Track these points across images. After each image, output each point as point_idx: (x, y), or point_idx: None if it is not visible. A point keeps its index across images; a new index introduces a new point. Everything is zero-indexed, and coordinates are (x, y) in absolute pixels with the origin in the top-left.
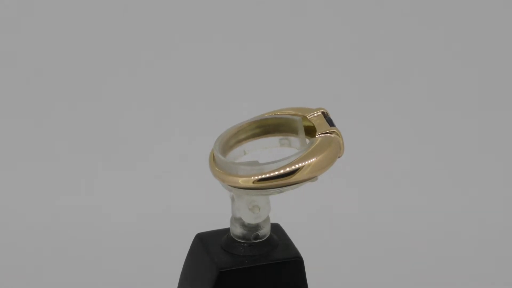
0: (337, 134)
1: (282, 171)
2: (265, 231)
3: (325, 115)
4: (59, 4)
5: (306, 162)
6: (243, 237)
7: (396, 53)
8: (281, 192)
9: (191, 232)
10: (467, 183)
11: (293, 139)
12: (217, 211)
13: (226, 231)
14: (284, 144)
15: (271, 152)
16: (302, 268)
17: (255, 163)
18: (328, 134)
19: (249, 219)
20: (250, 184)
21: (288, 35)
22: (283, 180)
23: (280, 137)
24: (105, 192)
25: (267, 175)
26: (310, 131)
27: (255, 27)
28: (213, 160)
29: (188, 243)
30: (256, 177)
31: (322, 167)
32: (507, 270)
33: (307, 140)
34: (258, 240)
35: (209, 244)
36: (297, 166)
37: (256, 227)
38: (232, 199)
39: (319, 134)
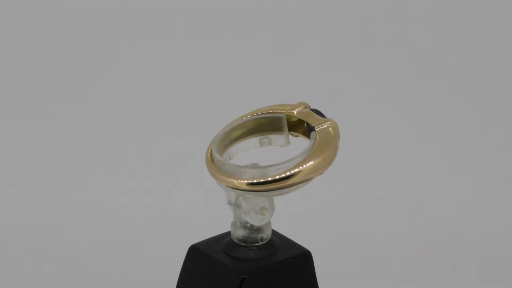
0: (333, 124)
1: (277, 176)
2: (268, 232)
3: (309, 108)
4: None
5: (304, 166)
6: (248, 241)
7: (394, 52)
8: (297, 189)
9: (190, 232)
10: (467, 183)
11: (274, 137)
12: (216, 211)
13: (222, 237)
14: (264, 143)
15: (277, 153)
16: (312, 261)
17: (255, 166)
18: (325, 127)
19: (257, 221)
20: (245, 187)
21: (284, 33)
22: (281, 183)
23: (260, 136)
24: (105, 192)
25: (260, 180)
26: (292, 127)
27: (250, 25)
28: (210, 160)
29: (187, 243)
30: (248, 181)
31: (324, 165)
32: (507, 270)
33: (290, 136)
34: (263, 242)
35: (212, 253)
36: (292, 172)
37: (260, 229)
38: (236, 205)
39: (318, 128)
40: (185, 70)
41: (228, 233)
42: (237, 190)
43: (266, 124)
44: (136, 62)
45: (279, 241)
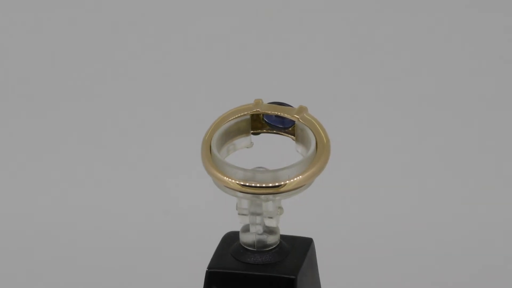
0: (306, 110)
1: (287, 181)
2: (279, 232)
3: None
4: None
5: (311, 170)
6: (268, 245)
7: (392, 51)
8: (305, 189)
9: (190, 232)
10: (466, 183)
11: (238, 141)
12: (216, 211)
13: (226, 249)
14: (230, 150)
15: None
16: (314, 246)
17: (257, 170)
18: (304, 115)
19: (275, 223)
20: (238, 187)
21: (282, 33)
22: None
23: (228, 144)
24: (105, 192)
25: (257, 184)
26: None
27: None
28: (209, 157)
29: (187, 244)
30: (242, 182)
31: (323, 165)
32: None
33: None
34: (279, 242)
35: (238, 268)
36: (300, 177)
37: (274, 231)
38: (254, 213)
39: (298, 117)
40: (191, 69)
41: (230, 243)
42: (261, 195)
43: (233, 130)
44: (141, 62)
45: (282, 239)
